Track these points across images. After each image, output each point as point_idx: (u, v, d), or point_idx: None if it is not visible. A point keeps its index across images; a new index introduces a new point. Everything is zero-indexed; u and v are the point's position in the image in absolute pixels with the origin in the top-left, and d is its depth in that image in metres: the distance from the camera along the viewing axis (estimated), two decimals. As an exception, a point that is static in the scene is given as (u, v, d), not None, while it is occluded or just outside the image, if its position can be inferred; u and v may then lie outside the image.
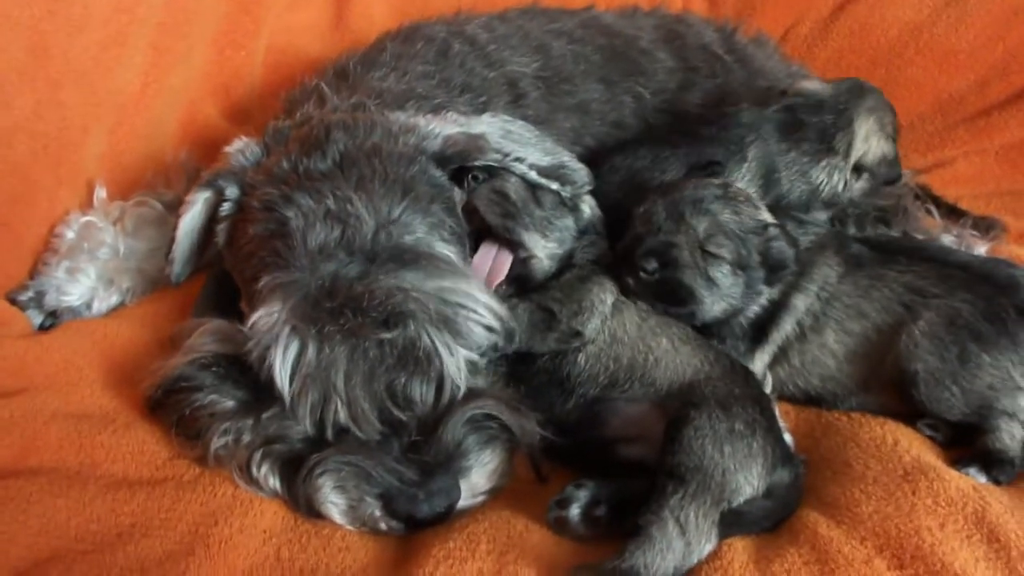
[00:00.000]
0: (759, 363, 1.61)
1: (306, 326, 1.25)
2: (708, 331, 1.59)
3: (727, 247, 1.53)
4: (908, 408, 1.53)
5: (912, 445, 1.46)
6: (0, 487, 1.25)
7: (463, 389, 1.29)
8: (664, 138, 1.95)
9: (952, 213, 2.37)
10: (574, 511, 1.27)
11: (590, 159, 1.80)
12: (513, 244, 1.49)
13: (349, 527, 1.25)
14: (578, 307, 1.47)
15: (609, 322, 1.49)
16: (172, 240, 1.53)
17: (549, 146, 1.63)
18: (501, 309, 1.36)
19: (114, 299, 1.71)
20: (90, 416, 1.37)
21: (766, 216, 1.60)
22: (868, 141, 1.94)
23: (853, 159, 1.93)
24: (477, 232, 1.51)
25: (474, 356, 1.32)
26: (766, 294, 1.60)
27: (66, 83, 1.68)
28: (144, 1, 1.79)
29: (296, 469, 1.25)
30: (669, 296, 1.52)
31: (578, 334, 1.45)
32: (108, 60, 1.75)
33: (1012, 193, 2.57)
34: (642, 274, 1.50)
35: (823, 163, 1.91)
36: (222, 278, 1.56)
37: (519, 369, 1.47)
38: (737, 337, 1.61)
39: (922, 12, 2.73)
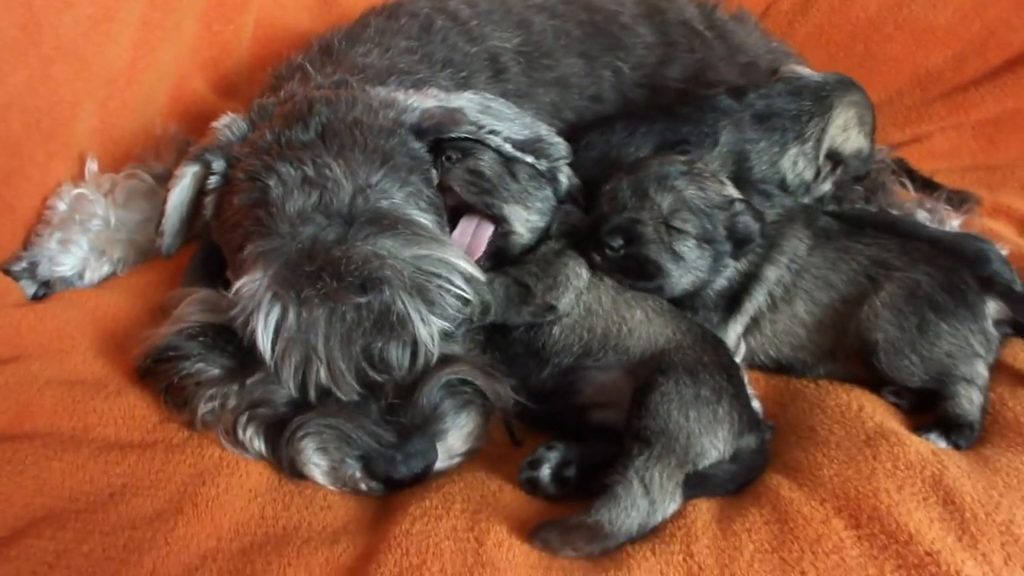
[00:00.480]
0: (732, 333, 1.65)
1: (286, 291, 1.30)
2: (681, 303, 1.62)
3: (692, 222, 1.57)
4: (873, 376, 1.57)
5: (876, 411, 1.50)
6: None
7: (436, 355, 1.34)
8: (641, 115, 1.97)
9: (927, 187, 2.41)
10: (544, 471, 1.32)
11: (568, 135, 1.82)
12: (494, 218, 1.53)
13: (331, 487, 1.30)
14: (553, 281, 1.51)
15: (585, 295, 1.52)
16: (162, 213, 1.57)
17: (528, 121, 1.68)
18: (479, 277, 1.41)
19: (105, 269, 1.75)
20: (83, 382, 1.42)
21: (732, 191, 1.65)
22: (847, 131, 1.97)
23: (826, 146, 1.95)
24: (454, 209, 1.54)
25: (447, 326, 1.37)
26: (733, 267, 1.64)
27: (57, 58, 1.71)
28: None
29: (280, 432, 1.30)
30: (636, 271, 1.57)
31: (552, 308, 1.49)
32: (98, 35, 1.77)
33: (987, 167, 2.62)
34: (608, 251, 1.54)
35: (792, 151, 1.93)
36: (211, 249, 1.59)
37: (496, 339, 1.51)
38: (710, 308, 1.65)
39: (901, -13, 2.74)
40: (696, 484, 1.30)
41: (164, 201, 1.56)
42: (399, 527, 1.21)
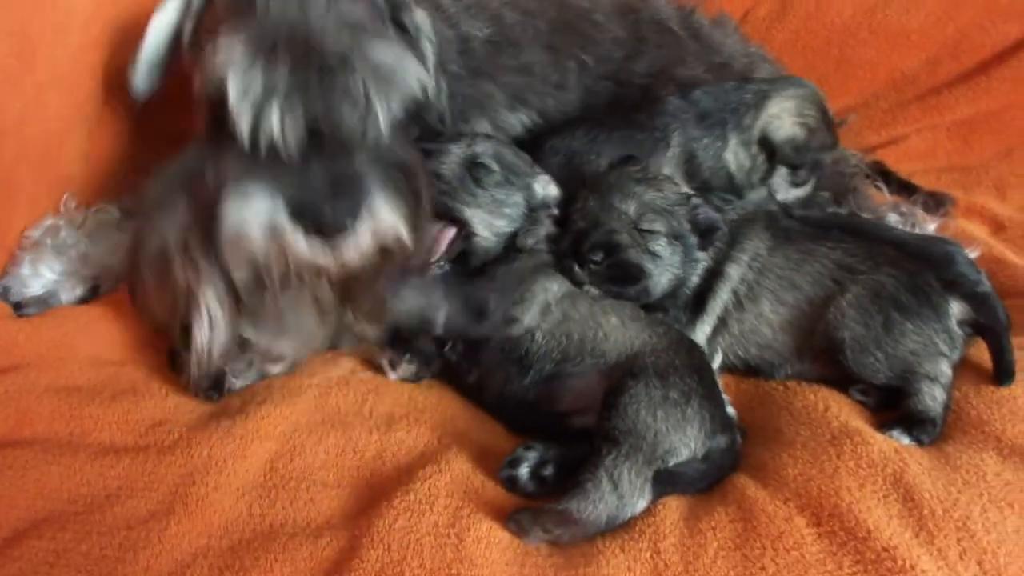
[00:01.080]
0: (701, 333, 1.74)
1: (260, 56, 1.37)
2: (654, 307, 1.72)
3: (659, 221, 1.68)
4: (839, 374, 1.65)
5: (842, 411, 1.56)
6: None
7: (386, 134, 1.45)
8: (600, 121, 2.06)
9: (904, 189, 2.50)
10: (523, 470, 1.40)
11: (530, 141, 1.96)
12: (456, 221, 1.62)
13: (261, 244, 1.37)
14: (520, 297, 1.60)
15: (561, 304, 1.60)
16: (141, 43, 1.61)
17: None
18: (430, 83, 1.59)
19: (79, 291, 1.80)
20: (79, 390, 1.48)
21: (686, 189, 1.76)
22: (780, 119, 2.06)
23: (756, 132, 2.05)
24: None
25: (399, 115, 1.47)
26: (703, 260, 1.74)
27: (51, 86, 1.75)
28: (121, 3, 1.85)
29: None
30: (621, 278, 1.66)
31: (515, 320, 1.56)
32: (90, 61, 1.83)
33: (962, 168, 2.70)
34: (592, 266, 1.65)
35: (732, 142, 2.04)
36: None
37: (476, 350, 1.60)
38: (679, 308, 1.74)
39: (875, -7, 2.81)
40: (667, 481, 1.36)
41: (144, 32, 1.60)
42: (382, 521, 1.27)
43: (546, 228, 1.74)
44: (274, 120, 1.37)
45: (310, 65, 1.39)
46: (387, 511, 1.29)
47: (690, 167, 2.02)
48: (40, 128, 1.76)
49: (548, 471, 1.41)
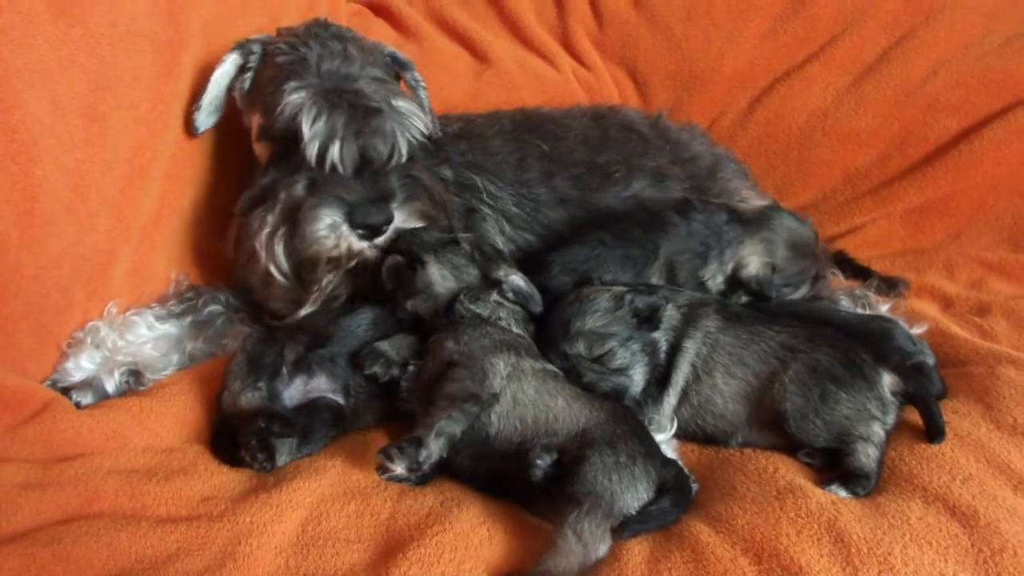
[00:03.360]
0: (668, 406, 2.02)
1: (321, 102, 2.09)
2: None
3: (607, 340, 2.01)
4: (787, 441, 1.92)
5: (788, 471, 1.83)
6: (75, 526, 1.63)
7: (404, 158, 2.18)
8: (595, 237, 2.40)
9: (860, 274, 2.80)
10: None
11: (528, 258, 2.40)
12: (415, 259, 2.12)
13: (329, 243, 2.07)
14: (482, 373, 1.86)
15: (509, 388, 1.85)
16: (204, 91, 2.27)
17: None
18: (428, 122, 2.28)
19: (117, 375, 2.15)
20: (137, 471, 1.79)
21: (617, 289, 2.06)
22: (749, 259, 2.37)
23: (730, 267, 2.38)
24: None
25: (414, 141, 2.21)
26: (661, 339, 2.04)
27: (101, 213, 2.08)
28: (160, 137, 2.21)
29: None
30: (611, 396, 1.96)
31: (495, 396, 1.84)
32: (133, 191, 2.16)
33: (915, 251, 3.03)
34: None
35: (712, 267, 2.36)
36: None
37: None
38: (650, 383, 2.03)
39: (826, 99, 3.21)
40: (638, 523, 1.65)
41: (208, 80, 2.27)
42: (397, 570, 1.56)
43: (492, 302, 2.07)
44: (335, 151, 2.07)
45: (356, 111, 2.10)
46: (402, 562, 1.58)
47: (670, 275, 2.35)
48: (92, 249, 2.11)
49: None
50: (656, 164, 2.72)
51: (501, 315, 2.06)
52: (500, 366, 1.88)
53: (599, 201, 2.64)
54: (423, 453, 1.73)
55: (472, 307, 2.05)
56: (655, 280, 2.34)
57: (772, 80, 3.31)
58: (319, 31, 2.27)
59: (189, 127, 2.31)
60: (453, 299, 2.07)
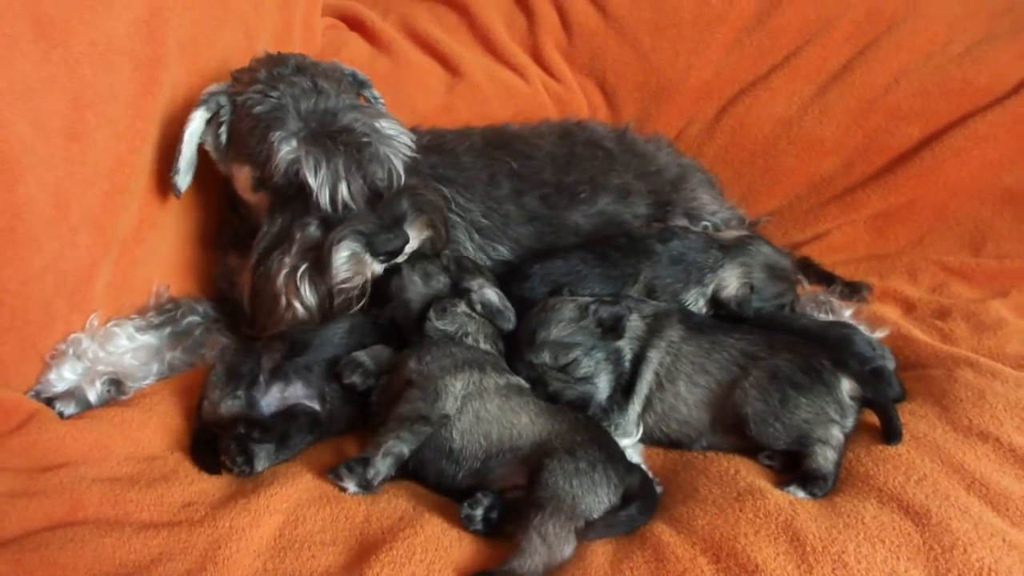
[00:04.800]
0: (633, 412, 2.10)
1: (317, 148, 2.17)
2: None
3: (572, 349, 2.10)
4: (748, 444, 2.01)
5: (749, 473, 1.92)
6: (61, 532, 1.69)
7: (403, 178, 2.30)
8: (579, 255, 2.50)
9: (824, 279, 2.88)
10: (478, 511, 1.78)
11: (510, 269, 2.48)
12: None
13: (348, 272, 2.18)
14: (435, 395, 1.94)
15: (471, 405, 1.94)
16: (178, 153, 2.31)
17: None
18: (411, 140, 2.34)
19: (98, 385, 2.22)
20: (120, 479, 1.86)
21: (582, 299, 2.15)
22: (728, 281, 2.45)
23: (710, 292, 2.46)
24: None
25: (407, 160, 2.31)
26: (625, 347, 2.12)
27: (83, 229, 2.15)
28: (139, 154, 2.28)
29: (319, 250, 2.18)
30: (577, 404, 2.07)
31: (445, 416, 1.92)
32: (114, 206, 2.22)
33: (878, 256, 3.12)
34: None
35: (693, 291, 2.45)
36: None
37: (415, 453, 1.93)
38: (616, 390, 2.12)
39: (791, 108, 3.30)
40: (607, 526, 1.74)
41: (180, 141, 2.30)
42: (371, 571, 1.64)
43: (461, 315, 2.16)
44: (344, 191, 2.18)
45: (351, 148, 2.20)
46: (375, 563, 1.66)
47: (650, 296, 2.43)
48: (74, 264, 2.18)
49: (494, 514, 1.79)
50: (621, 181, 2.84)
51: (469, 330, 2.14)
52: (457, 387, 1.96)
53: (566, 219, 2.76)
54: (371, 471, 1.86)
55: (439, 324, 2.13)
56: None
57: (738, 90, 3.41)
58: (280, 70, 2.32)
59: (170, 190, 2.39)
60: (425, 308, 2.16)
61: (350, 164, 2.19)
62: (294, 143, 2.18)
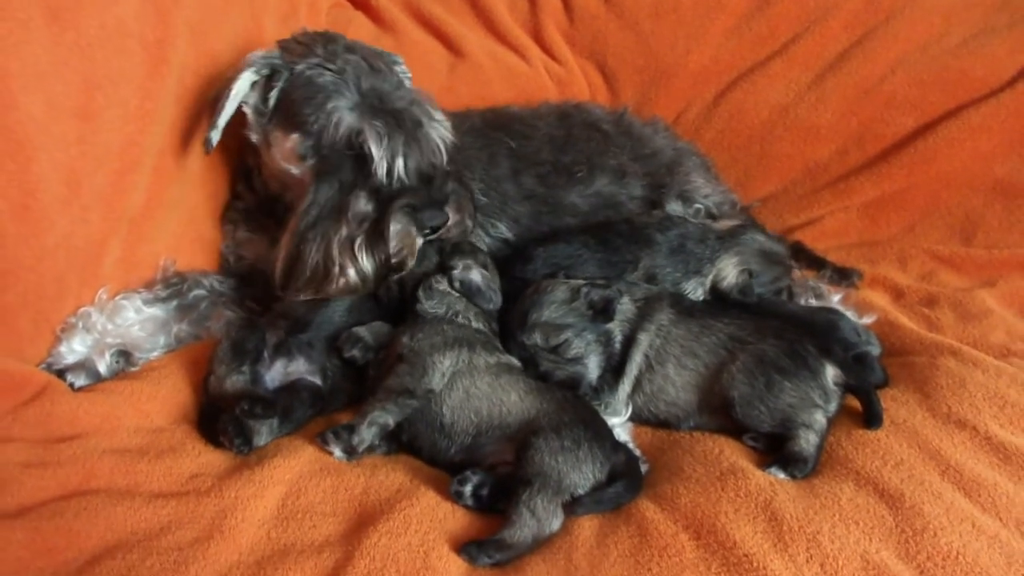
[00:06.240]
0: (623, 392, 2.19)
1: (380, 121, 2.27)
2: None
3: (563, 331, 2.18)
4: (734, 425, 2.10)
5: (733, 454, 2.01)
6: (75, 502, 1.77)
7: (446, 163, 2.41)
8: (580, 239, 2.58)
9: (815, 264, 2.95)
10: (467, 488, 1.88)
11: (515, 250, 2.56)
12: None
13: (400, 245, 2.26)
14: (422, 370, 2.05)
15: (461, 383, 2.04)
16: (220, 109, 2.38)
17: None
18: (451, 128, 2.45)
19: (107, 356, 2.30)
20: (130, 450, 1.94)
21: (575, 282, 2.22)
22: (726, 271, 2.54)
23: (709, 282, 2.55)
24: None
25: (450, 145, 2.43)
26: (616, 329, 2.20)
27: (93, 206, 2.22)
28: (148, 133, 2.34)
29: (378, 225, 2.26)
30: (567, 383, 2.15)
31: (430, 391, 2.03)
32: (124, 184, 2.29)
33: (870, 243, 3.19)
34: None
35: (692, 281, 2.53)
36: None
37: (407, 427, 2.04)
38: (606, 371, 2.21)
39: (788, 95, 3.36)
40: (596, 502, 1.84)
41: (225, 97, 2.37)
42: (369, 540, 1.73)
43: (443, 291, 2.27)
44: (400, 165, 2.28)
45: (408, 126, 2.30)
46: (372, 533, 1.75)
47: (649, 283, 2.50)
48: (85, 240, 2.25)
49: (484, 490, 1.89)
50: (617, 162, 2.91)
51: (458, 309, 2.24)
52: (445, 364, 2.07)
53: (563, 198, 2.84)
54: (355, 438, 1.98)
55: (428, 305, 2.24)
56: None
57: (736, 76, 3.47)
58: (334, 46, 2.42)
59: (202, 146, 2.46)
60: (416, 284, 2.28)
61: (409, 141, 2.29)
62: (355, 114, 2.29)
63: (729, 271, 2.54)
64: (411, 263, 2.30)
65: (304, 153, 2.35)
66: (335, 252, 2.25)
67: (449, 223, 2.35)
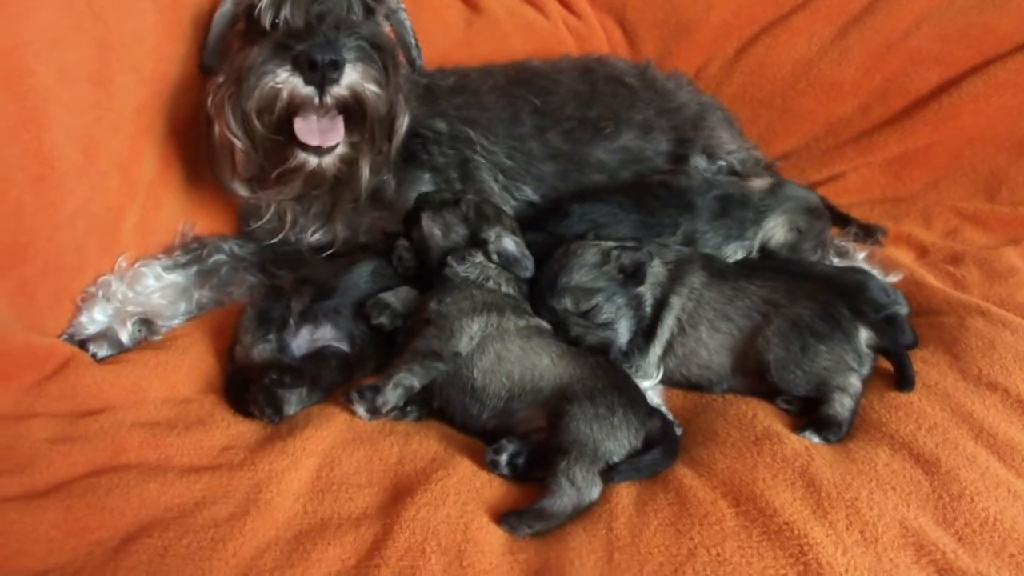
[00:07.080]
0: (654, 355, 2.17)
1: None
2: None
3: (594, 295, 2.15)
4: (768, 388, 2.08)
5: (767, 417, 1.99)
6: (106, 478, 1.74)
7: (361, 16, 2.29)
8: (618, 200, 2.54)
9: (839, 220, 2.94)
10: (503, 457, 1.86)
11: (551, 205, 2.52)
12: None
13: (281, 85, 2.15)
14: (450, 333, 2.03)
15: (492, 346, 2.02)
16: (208, 31, 2.38)
17: None
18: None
19: (129, 325, 2.28)
20: (159, 424, 1.91)
21: (606, 244, 2.20)
22: (775, 230, 2.54)
23: (758, 241, 2.55)
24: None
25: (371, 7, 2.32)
26: (647, 293, 2.18)
27: (111, 172, 2.20)
28: (163, 97, 2.33)
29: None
30: (598, 348, 2.11)
31: (457, 354, 2.01)
32: (139, 149, 2.28)
33: (893, 200, 3.18)
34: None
35: (733, 245, 2.52)
36: None
37: (439, 391, 2.02)
38: (636, 334, 2.19)
39: (811, 49, 3.33)
40: (632, 469, 1.83)
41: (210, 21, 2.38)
42: (407, 513, 1.70)
43: (479, 262, 2.22)
44: (287, 9, 2.16)
45: None
46: (410, 505, 1.73)
47: (688, 246, 2.48)
48: (103, 207, 2.24)
49: (520, 460, 1.87)
50: (643, 117, 2.88)
51: (490, 274, 2.20)
52: (474, 328, 2.04)
53: (589, 155, 2.80)
54: (380, 399, 1.96)
55: (459, 269, 2.20)
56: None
57: (758, 30, 3.43)
58: None
59: (200, 67, 2.45)
60: (444, 256, 2.23)
61: None
62: None
63: (777, 231, 2.54)
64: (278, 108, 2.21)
65: (236, 37, 2.37)
66: (210, 110, 2.24)
67: (349, 82, 2.19)
